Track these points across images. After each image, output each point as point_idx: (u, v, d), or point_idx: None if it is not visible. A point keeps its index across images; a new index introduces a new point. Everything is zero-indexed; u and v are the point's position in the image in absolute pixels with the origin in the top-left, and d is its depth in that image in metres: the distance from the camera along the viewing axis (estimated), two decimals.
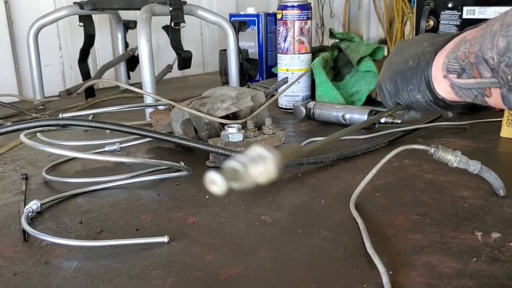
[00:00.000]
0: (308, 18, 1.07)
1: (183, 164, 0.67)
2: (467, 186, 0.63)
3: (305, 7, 1.06)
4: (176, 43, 1.16)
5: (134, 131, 0.62)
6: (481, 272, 0.43)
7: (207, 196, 0.63)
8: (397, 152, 0.58)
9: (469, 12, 1.18)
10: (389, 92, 0.51)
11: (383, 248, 0.48)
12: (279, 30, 1.09)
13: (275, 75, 1.16)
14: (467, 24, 1.18)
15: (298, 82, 1.08)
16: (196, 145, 0.64)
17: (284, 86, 1.07)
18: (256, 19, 1.48)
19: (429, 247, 0.48)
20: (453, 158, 0.57)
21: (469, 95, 0.42)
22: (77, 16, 1.25)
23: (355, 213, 0.55)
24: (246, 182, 0.28)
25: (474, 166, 0.58)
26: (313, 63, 1.08)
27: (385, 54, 1.32)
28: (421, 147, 0.58)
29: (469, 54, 0.39)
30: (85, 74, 1.31)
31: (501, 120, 0.85)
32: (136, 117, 1.03)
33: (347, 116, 0.95)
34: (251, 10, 1.51)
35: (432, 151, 0.58)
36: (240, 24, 1.24)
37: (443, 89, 0.44)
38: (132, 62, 1.44)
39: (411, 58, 0.47)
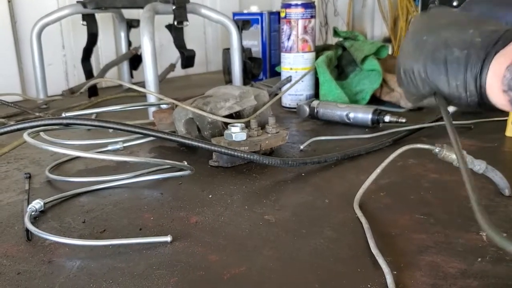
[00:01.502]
0: (312, 17, 1.07)
1: (186, 163, 0.67)
2: None
3: (309, 5, 1.06)
4: (179, 42, 1.16)
5: (137, 130, 0.62)
6: (486, 273, 0.43)
7: (210, 196, 0.63)
8: (401, 151, 0.58)
9: None
10: (421, 79, 0.44)
11: (388, 248, 0.47)
12: (282, 28, 1.09)
13: (279, 74, 1.16)
14: None
15: (302, 81, 1.07)
16: (199, 144, 0.64)
17: (288, 85, 1.06)
18: (259, 17, 1.48)
19: (433, 247, 0.48)
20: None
21: None
22: (80, 15, 1.25)
23: (359, 213, 0.55)
24: None
25: (479, 166, 0.57)
26: (317, 62, 1.08)
27: (389, 53, 1.32)
28: (426, 146, 0.58)
29: None
30: (88, 73, 1.31)
31: (507, 120, 0.85)
32: (139, 116, 1.03)
33: (351, 115, 0.95)
34: (254, 9, 1.51)
35: (437, 150, 0.57)
36: (243, 23, 1.24)
37: (498, 100, 0.39)
38: (135, 61, 1.44)
39: (456, 46, 0.41)
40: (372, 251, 0.46)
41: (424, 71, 0.43)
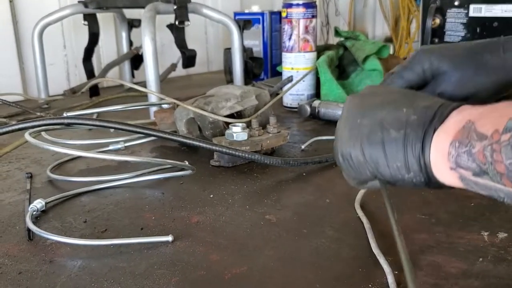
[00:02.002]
0: (313, 16, 1.07)
1: (187, 163, 0.67)
2: None
3: (310, 5, 1.06)
4: (180, 42, 1.16)
5: (138, 130, 0.62)
6: (488, 272, 0.43)
7: (211, 196, 0.63)
8: None
9: (475, 10, 1.17)
10: (360, 163, 0.42)
11: (389, 248, 0.47)
12: (284, 28, 1.09)
13: (280, 73, 1.16)
14: (473, 22, 1.17)
15: (303, 81, 1.07)
16: (201, 144, 0.64)
17: (289, 85, 1.06)
18: (260, 17, 1.48)
19: (435, 247, 0.48)
20: None
21: (491, 194, 0.35)
22: (82, 15, 1.25)
23: (360, 213, 0.55)
24: None
25: None
26: (318, 62, 1.08)
27: (391, 52, 1.32)
28: None
29: (495, 162, 0.33)
30: (90, 73, 1.31)
31: None
32: (141, 116, 1.03)
33: None
34: (255, 9, 1.51)
35: None
36: (244, 23, 1.24)
37: (447, 178, 0.38)
38: (137, 60, 1.44)
39: (392, 127, 0.39)
40: (373, 250, 0.46)
41: (362, 155, 0.41)
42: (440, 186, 0.39)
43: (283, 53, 1.11)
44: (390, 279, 0.41)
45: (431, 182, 0.39)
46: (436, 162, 0.37)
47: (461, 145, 0.35)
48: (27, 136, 0.62)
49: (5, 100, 1.07)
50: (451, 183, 0.37)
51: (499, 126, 0.33)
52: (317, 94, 1.11)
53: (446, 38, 1.23)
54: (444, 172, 0.37)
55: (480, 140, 0.34)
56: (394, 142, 0.39)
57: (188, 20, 1.13)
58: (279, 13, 1.45)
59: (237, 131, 0.71)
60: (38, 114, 1.08)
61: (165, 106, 0.90)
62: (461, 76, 0.54)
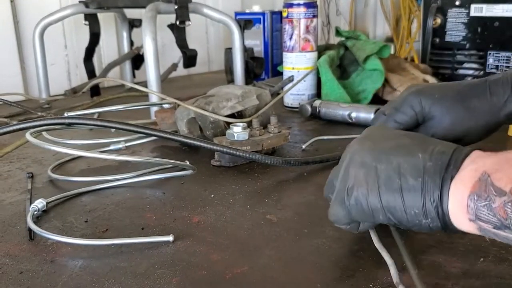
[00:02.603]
0: (314, 16, 1.07)
1: (188, 163, 0.67)
2: None
3: (311, 5, 1.06)
4: (181, 42, 1.16)
5: (139, 130, 0.62)
6: (489, 272, 0.43)
7: (212, 195, 0.63)
8: None
9: (476, 10, 1.17)
10: (375, 210, 0.42)
11: (390, 248, 0.47)
12: (284, 28, 1.09)
13: (281, 73, 1.16)
14: (475, 22, 1.17)
15: (304, 81, 1.07)
16: (201, 144, 0.64)
17: (290, 85, 1.06)
18: (261, 17, 1.48)
19: (435, 247, 0.48)
20: None
21: (509, 241, 0.36)
22: (83, 15, 1.25)
23: None
24: None
25: None
26: (319, 62, 1.08)
27: (392, 52, 1.32)
28: None
29: None
30: (91, 73, 1.31)
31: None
32: (141, 115, 1.03)
33: (353, 114, 0.95)
34: (256, 8, 1.51)
35: None
36: (245, 23, 1.24)
37: (466, 227, 0.38)
38: (137, 60, 1.44)
39: (409, 174, 0.40)
40: (375, 245, 0.46)
41: (379, 201, 0.41)
42: (457, 231, 0.40)
43: (284, 53, 1.11)
44: (393, 270, 0.41)
45: (448, 227, 0.39)
46: (455, 212, 0.38)
47: (479, 198, 0.36)
48: (28, 136, 0.62)
49: (6, 100, 1.07)
50: (469, 231, 0.38)
51: None
52: (318, 94, 1.11)
53: (447, 38, 1.23)
54: (463, 222, 0.38)
55: (499, 196, 0.35)
56: (413, 189, 0.40)
57: (189, 20, 1.13)
58: (280, 13, 1.45)
59: (238, 131, 0.71)
60: (39, 114, 1.09)
61: (166, 106, 0.90)
62: (451, 121, 0.56)
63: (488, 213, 0.35)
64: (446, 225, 0.39)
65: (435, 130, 0.57)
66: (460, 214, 0.38)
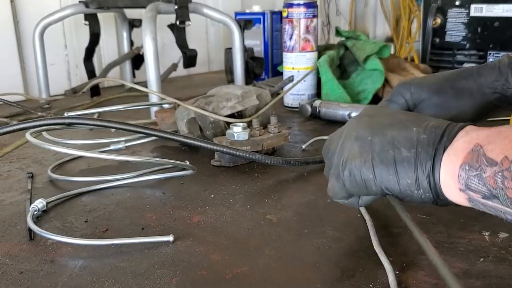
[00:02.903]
0: (314, 16, 1.07)
1: (188, 163, 0.67)
2: None
3: (311, 5, 1.06)
4: (181, 42, 1.16)
5: (139, 130, 0.62)
6: (489, 272, 0.43)
7: (212, 195, 0.63)
8: None
9: (476, 10, 1.17)
10: (369, 179, 0.43)
11: (390, 247, 0.47)
12: (284, 28, 1.09)
13: (281, 73, 1.16)
14: (474, 22, 1.17)
15: (304, 81, 1.07)
16: (201, 144, 0.64)
17: (290, 85, 1.06)
18: (261, 17, 1.48)
19: (436, 247, 0.47)
20: None
21: (498, 214, 0.37)
22: (83, 15, 1.25)
23: (363, 210, 0.55)
24: None
25: None
26: (319, 62, 1.08)
27: (392, 52, 1.32)
28: None
29: (506, 189, 0.34)
30: (91, 73, 1.31)
31: (509, 119, 0.85)
32: (141, 115, 1.03)
33: (353, 114, 0.95)
34: (256, 8, 1.51)
35: None
36: (245, 23, 1.24)
37: (456, 197, 0.39)
38: (137, 60, 1.45)
39: (403, 146, 0.41)
40: (375, 248, 0.46)
41: (372, 172, 0.42)
42: (447, 203, 0.40)
43: (284, 53, 1.11)
44: (391, 277, 0.41)
45: (439, 199, 0.40)
46: (446, 182, 0.38)
47: (471, 168, 0.36)
48: (28, 136, 0.62)
49: (6, 100, 1.07)
50: (459, 202, 0.39)
51: (508, 153, 0.34)
52: (318, 94, 1.11)
53: (447, 38, 1.23)
54: (453, 192, 0.38)
55: (490, 166, 0.35)
56: (406, 161, 0.40)
57: (189, 20, 1.13)
58: (280, 13, 1.45)
59: (238, 131, 0.71)
60: (39, 114, 1.09)
61: (166, 106, 0.90)
62: (441, 100, 0.57)
63: (479, 183, 0.36)
64: (437, 196, 0.40)
65: (426, 112, 0.58)
66: (451, 184, 0.38)
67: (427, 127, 0.41)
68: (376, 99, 1.08)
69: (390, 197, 0.44)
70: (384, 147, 0.42)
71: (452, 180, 0.38)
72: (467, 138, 0.38)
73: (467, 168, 0.37)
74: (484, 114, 0.59)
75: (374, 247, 0.46)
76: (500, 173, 0.34)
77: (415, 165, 0.40)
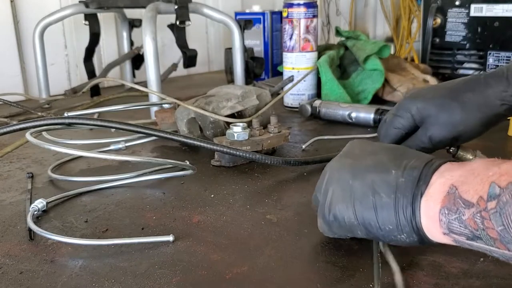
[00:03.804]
0: (314, 16, 1.07)
1: (188, 163, 0.67)
2: None
3: (311, 5, 1.06)
4: (181, 42, 1.16)
5: (139, 129, 0.62)
6: (489, 272, 0.43)
7: (212, 195, 0.63)
8: None
9: (476, 9, 1.17)
10: (352, 226, 0.43)
11: (390, 248, 0.47)
12: (284, 28, 1.09)
13: (281, 73, 1.16)
14: (474, 22, 1.17)
15: (304, 81, 1.07)
16: (201, 144, 0.64)
17: (290, 85, 1.06)
18: (261, 17, 1.48)
19: (435, 247, 0.47)
20: (472, 158, 0.60)
21: (485, 253, 0.37)
22: (83, 15, 1.25)
23: None
24: None
25: None
26: (319, 62, 1.08)
27: (392, 52, 1.32)
28: None
29: (486, 229, 0.34)
30: (91, 73, 1.31)
31: (509, 119, 0.85)
32: (141, 115, 1.03)
33: (353, 114, 0.95)
34: (256, 8, 1.51)
35: (451, 150, 0.60)
36: (245, 22, 1.24)
37: (441, 240, 0.39)
38: (137, 60, 1.44)
39: (382, 191, 0.41)
40: (381, 249, 0.46)
41: (355, 218, 0.43)
42: (434, 244, 0.41)
43: (284, 53, 1.11)
44: (397, 277, 0.41)
45: (424, 241, 0.41)
46: (428, 226, 0.39)
47: (450, 212, 0.37)
48: (28, 136, 0.62)
49: (6, 100, 1.07)
50: (445, 243, 0.40)
51: (482, 192, 0.34)
52: (318, 94, 1.11)
53: (447, 38, 1.23)
54: (437, 235, 0.39)
55: (467, 208, 0.35)
56: (386, 207, 0.41)
57: (189, 20, 1.13)
58: (280, 13, 1.45)
59: (238, 131, 0.71)
60: (39, 114, 1.09)
61: (166, 106, 0.90)
62: (447, 116, 0.57)
63: (460, 226, 0.36)
64: (422, 239, 0.40)
65: (432, 130, 0.57)
66: (434, 229, 0.39)
67: (406, 168, 0.41)
68: (376, 99, 1.08)
69: (374, 243, 0.45)
70: (364, 192, 0.42)
71: (434, 225, 0.38)
72: (442, 180, 0.38)
73: (446, 212, 0.37)
74: (491, 126, 0.58)
75: (380, 247, 0.46)
76: (478, 214, 0.35)
77: (396, 211, 0.40)
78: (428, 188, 0.39)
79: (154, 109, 0.97)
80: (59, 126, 0.62)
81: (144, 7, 1.06)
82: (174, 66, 1.46)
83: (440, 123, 0.57)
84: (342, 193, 0.44)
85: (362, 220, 0.43)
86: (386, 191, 0.41)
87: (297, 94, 1.10)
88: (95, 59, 1.36)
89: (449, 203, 0.37)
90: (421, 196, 0.39)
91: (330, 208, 0.45)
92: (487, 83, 0.56)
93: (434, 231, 0.39)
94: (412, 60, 1.51)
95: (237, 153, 0.65)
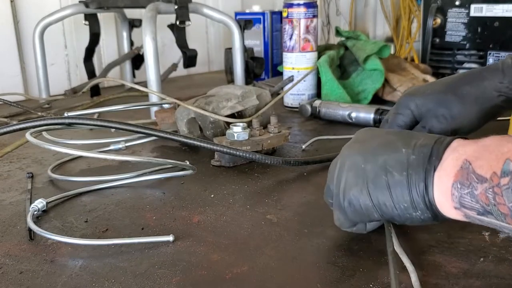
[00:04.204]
0: (314, 16, 1.07)
1: (188, 163, 0.67)
2: None
3: (311, 5, 1.06)
4: (181, 42, 1.16)
5: (139, 129, 0.62)
6: (489, 272, 0.43)
7: (212, 195, 0.63)
8: None
9: (476, 9, 1.17)
10: (368, 207, 0.43)
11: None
12: (284, 28, 1.09)
13: (281, 73, 1.16)
14: (474, 22, 1.17)
15: (304, 81, 1.07)
16: (201, 144, 0.64)
17: (290, 85, 1.06)
18: (261, 17, 1.48)
19: (436, 247, 0.48)
20: None
21: (495, 228, 0.38)
22: (83, 15, 1.25)
23: None
24: None
25: None
26: (319, 62, 1.08)
27: (392, 52, 1.32)
28: None
29: (498, 205, 0.35)
30: (91, 73, 1.31)
31: (509, 119, 0.85)
32: (141, 115, 1.03)
33: (353, 114, 0.95)
34: (256, 8, 1.51)
35: None
36: (245, 23, 1.24)
37: (452, 215, 0.40)
38: (137, 60, 1.44)
39: (394, 169, 0.41)
40: (396, 249, 0.45)
41: (370, 200, 0.43)
42: (446, 219, 0.41)
43: (284, 53, 1.11)
44: (414, 278, 0.41)
45: (437, 217, 0.41)
46: (440, 201, 0.39)
47: (462, 186, 0.37)
48: (28, 136, 0.62)
49: (6, 100, 1.07)
50: (456, 218, 0.40)
51: (496, 168, 0.35)
52: (318, 94, 1.11)
53: (447, 38, 1.23)
54: (449, 210, 0.39)
55: (480, 183, 0.36)
56: (399, 184, 0.41)
57: (189, 20, 1.13)
58: (280, 13, 1.45)
59: (238, 131, 0.71)
60: (39, 114, 1.09)
61: (166, 106, 0.90)
62: (445, 110, 0.58)
63: (471, 200, 0.36)
64: (436, 215, 0.40)
65: (431, 123, 0.58)
66: (446, 203, 0.39)
67: (416, 146, 0.41)
68: (376, 99, 1.08)
69: (387, 225, 0.45)
70: (377, 173, 0.43)
71: (446, 199, 0.38)
72: (455, 155, 0.38)
73: (458, 186, 0.37)
74: (490, 118, 0.59)
75: (395, 247, 0.45)
76: (490, 189, 0.35)
77: (409, 188, 0.41)
78: (441, 163, 0.39)
79: (154, 109, 0.97)
80: (59, 126, 0.62)
81: (144, 7, 1.06)
82: (174, 66, 1.46)
83: (438, 117, 0.58)
84: (355, 177, 0.44)
85: (377, 201, 0.43)
86: (398, 169, 0.41)
87: (297, 94, 1.10)
88: (95, 59, 1.36)
89: (462, 178, 0.37)
90: (434, 171, 0.39)
91: (345, 194, 0.45)
92: (483, 76, 0.58)
93: (446, 206, 0.39)
94: (412, 60, 1.51)
95: (237, 153, 0.65)
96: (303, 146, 0.81)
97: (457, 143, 0.40)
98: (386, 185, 0.42)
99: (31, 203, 0.58)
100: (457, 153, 0.38)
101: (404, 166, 0.41)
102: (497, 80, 0.57)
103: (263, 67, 1.31)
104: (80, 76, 1.47)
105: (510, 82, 0.56)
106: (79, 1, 1.20)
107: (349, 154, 0.46)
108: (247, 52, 1.26)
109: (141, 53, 1.41)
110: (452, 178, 0.38)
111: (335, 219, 0.48)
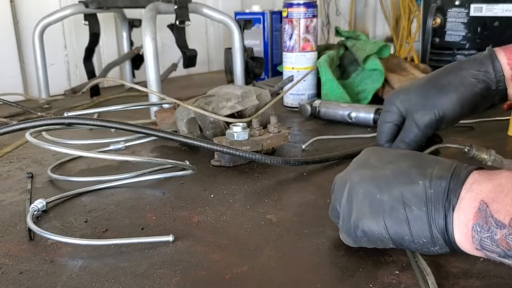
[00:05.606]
0: (313, 16, 1.07)
1: (188, 163, 0.67)
2: None
3: (310, 5, 1.06)
4: (181, 42, 1.16)
5: (139, 129, 0.62)
6: (488, 272, 0.43)
7: (212, 195, 0.63)
8: (430, 151, 0.62)
9: (476, 9, 1.17)
10: (382, 240, 0.43)
11: (389, 248, 0.47)
12: (284, 28, 1.09)
13: (281, 73, 1.16)
14: (474, 22, 1.17)
15: (304, 81, 1.07)
16: (201, 144, 0.64)
17: (290, 85, 1.06)
18: (261, 17, 1.48)
19: None
20: (487, 157, 0.61)
21: None
22: (82, 15, 1.25)
23: None
24: None
25: (508, 165, 0.60)
26: (319, 61, 1.08)
27: (391, 52, 1.32)
28: (455, 145, 0.63)
29: None
30: (90, 73, 1.31)
31: (509, 119, 0.85)
32: (141, 115, 1.03)
33: (353, 114, 0.95)
34: (256, 8, 1.51)
35: (466, 149, 0.62)
36: (245, 22, 1.24)
37: (473, 252, 0.40)
38: (137, 60, 1.45)
39: (413, 203, 0.41)
40: (407, 253, 0.45)
41: (386, 233, 0.42)
42: (465, 253, 0.41)
43: (284, 53, 1.11)
44: (430, 280, 0.41)
45: (456, 251, 0.41)
46: (461, 240, 0.39)
47: (482, 230, 0.37)
48: (27, 136, 0.62)
49: (6, 100, 1.07)
50: (477, 255, 0.40)
51: None
52: (318, 94, 1.11)
53: (447, 38, 1.23)
54: (470, 250, 0.39)
55: (499, 228, 0.36)
56: (419, 220, 0.41)
57: (188, 20, 1.13)
58: (280, 12, 1.45)
59: (238, 131, 0.71)
60: (39, 114, 1.09)
61: (165, 106, 0.90)
62: (427, 100, 0.60)
63: (492, 244, 0.37)
64: (455, 250, 0.40)
65: (417, 115, 0.60)
66: (467, 244, 0.39)
67: (432, 178, 0.41)
68: (376, 99, 1.08)
69: (410, 254, 0.45)
70: (394, 205, 0.42)
71: (467, 240, 0.38)
72: (472, 195, 0.38)
73: (478, 229, 0.37)
74: (472, 107, 0.60)
75: (407, 252, 0.45)
76: (510, 236, 0.35)
77: (429, 224, 0.40)
78: (459, 203, 0.39)
79: (154, 109, 0.96)
80: (58, 126, 0.62)
81: (144, 7, 1.06)
82: (174, 66, 1.46)
83: (422, 108, 0.60)
84: (369, 208, 0.43)
85: (395, 234, 0.42)
86: (417, 203, 0.41)
87: (297, 94, 1.10)
88: (95, 59, 1.36)
89: (480, 220, 0.37)
90: (453, 210, 0.39)
91: (358, 224, 0.44)
92: (461, 66, 0.60)
93: (467, 246, 0.39)
94: (412, 60, 1.51)
95: (237, 153, 0.65)
96: (303, 146, 0.81)
97: (472, 179, 0.39)
98: (405, 219, 0.41)
99: (31, 203, 0.58)
100: (473, 192, 0.38)
101: (423, 201, 0.40)
102: (475, 69, 0.59)
103: (263, 67, 1.31)
104: (80, 76, 1.47)
105: (486, 71, 0.58)
106: (79, 1, 1.20)
107: (360, 182, 0.45)
108: (247, 52, 1.26)
109: (141, 53, 1.41)
110: (471, 221, 0.38)
111: (342, 238, 0.47)
